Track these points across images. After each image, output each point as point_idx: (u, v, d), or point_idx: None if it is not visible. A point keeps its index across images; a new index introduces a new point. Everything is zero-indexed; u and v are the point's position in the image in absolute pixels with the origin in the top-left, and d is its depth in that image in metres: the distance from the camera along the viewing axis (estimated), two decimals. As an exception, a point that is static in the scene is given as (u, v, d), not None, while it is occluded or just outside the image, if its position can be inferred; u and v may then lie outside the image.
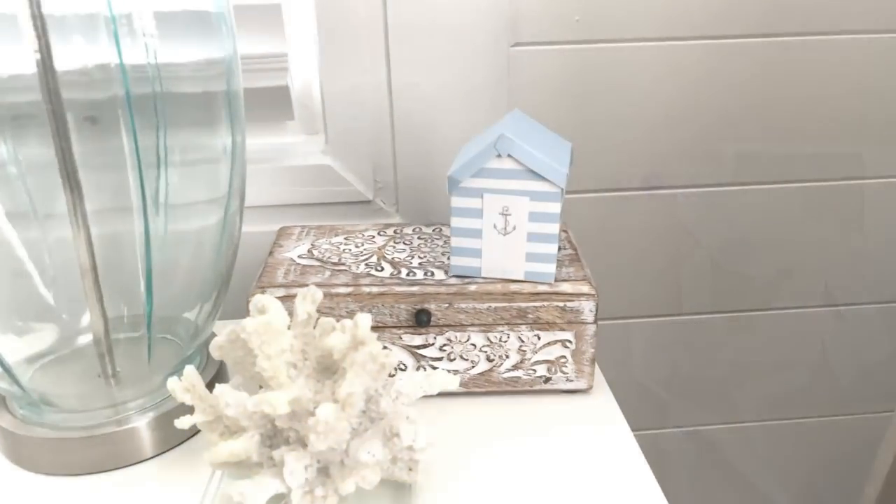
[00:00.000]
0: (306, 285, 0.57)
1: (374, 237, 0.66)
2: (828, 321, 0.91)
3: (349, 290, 0.57)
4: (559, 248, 0.64)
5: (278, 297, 0.57)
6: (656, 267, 0.85)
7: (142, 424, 0.54)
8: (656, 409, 0.94)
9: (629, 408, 0.91)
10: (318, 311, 0.57)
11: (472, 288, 0.58)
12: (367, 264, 0.61)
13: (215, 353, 0.49)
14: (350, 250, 0.63)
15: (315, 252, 0.63)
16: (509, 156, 0.54)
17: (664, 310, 0.88)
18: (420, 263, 0.61)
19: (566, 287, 0.58)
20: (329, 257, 0.62)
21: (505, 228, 0.56)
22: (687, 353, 0.91)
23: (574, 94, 0.76)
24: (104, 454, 0.54)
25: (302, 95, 0.77)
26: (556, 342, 0.59)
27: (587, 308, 0.58)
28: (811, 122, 0.80)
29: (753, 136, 0.80)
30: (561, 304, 0.57)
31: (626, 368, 0.91)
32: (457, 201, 0.57)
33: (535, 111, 0.76)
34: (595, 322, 0.58)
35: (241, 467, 0.48)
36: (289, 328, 0.47)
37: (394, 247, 0.64)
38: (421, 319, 0.57)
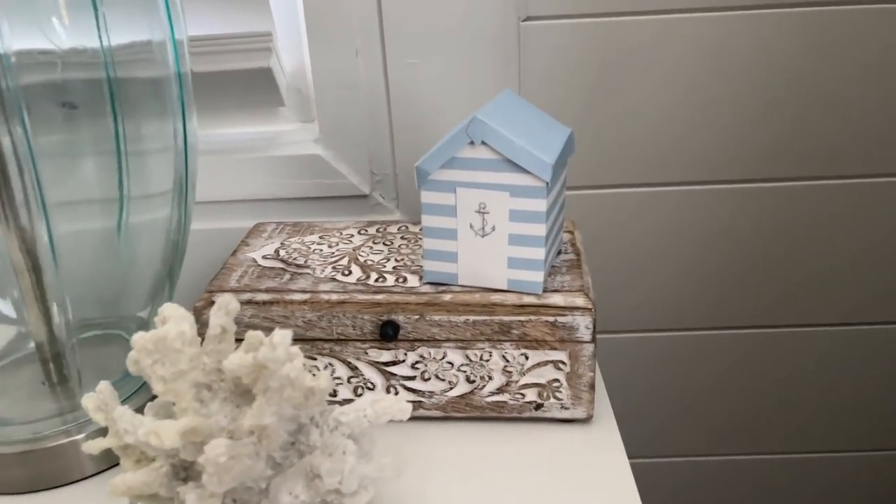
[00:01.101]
0: (259, 291, 0.51)
1: (352, 236, 0.59)
2: (870, 339, 0.78)
3: (306, 297, 0.50)
4: (559, 252, 0.55)
5: (227, 304, 0.50)
6: (678, 274, 0.74)
7: (83, 438, 0.49)
8: (671, 435, 0.83)
9: (641, 434, 0.81)
10: (273, 319, 0.50)
11: (447, 298, 0.49)
12: (334, 267, 0.54)
13: (132, 367, 0.43)
14: (321, 251, 0.56)
15: (282, 252, 0.56)
16: (483, 143, 0.46)
17: (686, 322, 0.77)
18: (394, 267, 0.53)
19: (557, 299, 0.49)
20: (295, 258, 0.55)
21: (483, 229, 0.48)
22: (711, 372, 0.80)
23: (594, 74, 0.66)
24: (45, 470, 0.49)
25: (295, 79, 0.71)
26: (546, 363, 0.50)
27: (582, 324, 0.49)
28: (863, 106, 0.68)
29: (798, 123, 0.68)
30: (551, 318, 0.49)
31: (640, 389, 0.81)
32: (427, 196, 0.48)
33: (550, 94, 0.67)
34: (593, 341, 0.49)
35: (155, 501, 0.42)
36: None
37: (370, 248, 0.57)
38: (386, 332, 0.49)
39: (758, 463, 0.85)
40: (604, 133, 0.69)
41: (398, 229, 0.60)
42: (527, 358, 0.50)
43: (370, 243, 0.57)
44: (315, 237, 0.59)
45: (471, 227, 0.48)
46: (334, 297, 0.50)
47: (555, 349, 0.50)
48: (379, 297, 0.50)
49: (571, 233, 0.58)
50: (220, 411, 0.40)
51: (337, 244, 0.57)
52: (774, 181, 0.71)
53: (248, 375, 0.37)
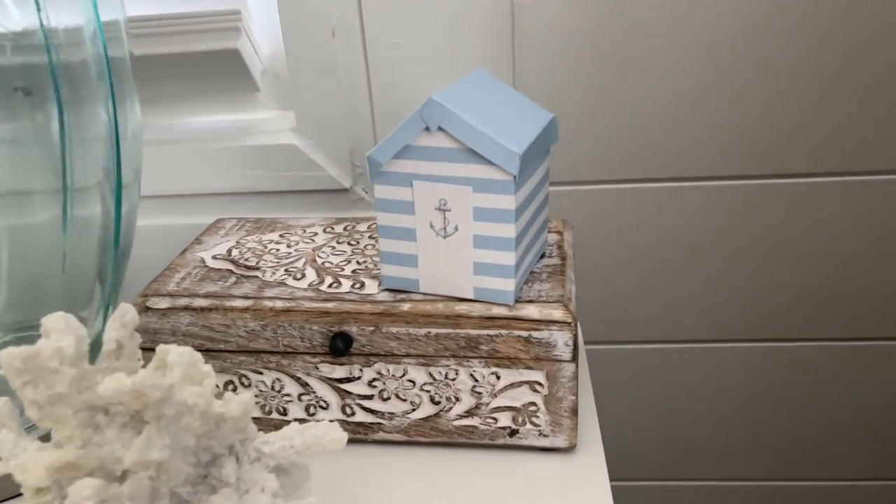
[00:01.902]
0: (198, 295, 0.45)
1: (315, 235, 0.53)
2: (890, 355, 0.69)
3: (248, 303, 0.44)
4: (542, 256, 0.48)
5: (161, 310, 0.45)
6: (683, 279, 0.67)
7: None
8: (672, 458, 0.75)
9: (636, 458, 0.74)
10: (212, 328, 0.45)
11: (405, 307, 0.43)
12: (287, 270, 0.48)
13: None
14: (278, 251, 0.50)
15: (235, 252, 0.51)
16: (441, 129, 0.39)
17: (691, 334, 0.69)
18: (353, 271, 0.47)
19: (531, 311, 0.42)
20: (247, 259, 0.49)
21: (444, 229, 0.42)
22: (715, 388, 0.72)
23: (600, 57, 0.59)
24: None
25: (273, 63, 0.65)
26: (521, 384, 0.43)
27: (561, 340, 0.42)
28: (892, 98, 0.59)
29: (823, 114, 0.60)
30: (524, 333, 0.42)
31: (635, 407, 0.73)
32: (381, 191, 0.42)
33: (549, 78, 0.60)
34: (574, 360, 0.42)
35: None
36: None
37: (332, 248, 0.50)
38: (336, 346, 0.43)
39: (777, 489, 0.77)
40: (611, 123, 0.61)
41: (368, 227, 0.54)
42: (498, 378, 0.44)
43: (333, 243, 0.51)
44: (275, 235, 0.53)
45: (431, 226, 0.42)
46: (279, 304, 0.44)
47: (530, 368, 0.43)
48: (329, 304, 0.44)
49: (560, 234, 0.51)
50: (119, 439, 0.35)
51: (297, 243, 0.51)
52: (794, 177, 0.63)
53: (136, 401, 0.31)
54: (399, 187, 0.42)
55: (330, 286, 0.45)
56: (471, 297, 0.43)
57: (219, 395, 0.47)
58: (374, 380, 0.45)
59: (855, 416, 0.72)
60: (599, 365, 0.71)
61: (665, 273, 0.67)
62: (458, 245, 0.42)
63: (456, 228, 0.41)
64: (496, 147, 0.38)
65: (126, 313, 0.34)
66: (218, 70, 0.61)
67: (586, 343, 0.69)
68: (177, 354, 0.32)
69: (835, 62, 0.58)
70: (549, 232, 0.51)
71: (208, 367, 0.34)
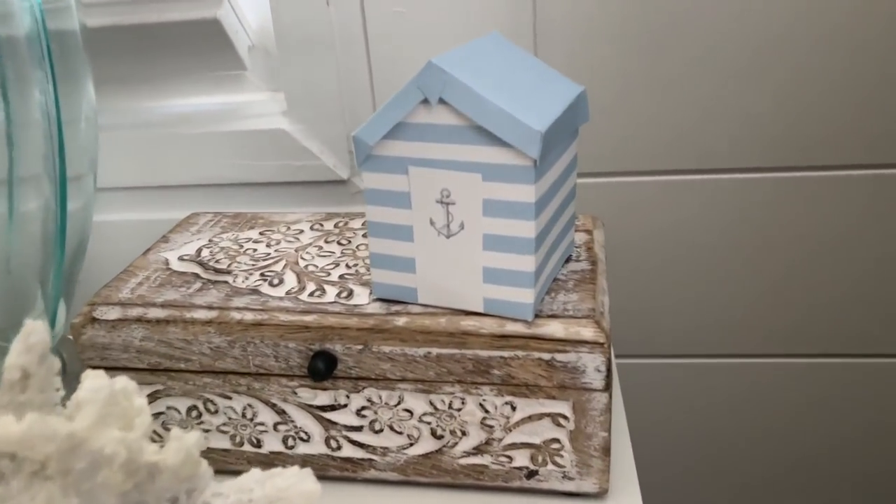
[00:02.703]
0: (154, 305, 0.38)
1: (301, 232, 0.45)
2: None
3: (212, 314, 0.37)
4: (567, 260, 0.40)
5: (110, 321, 0.37)
6: (724, 284, 0.58)
7: None
8: (724, 497, 0.67)
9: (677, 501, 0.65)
10: (171, 343, 0.37)
11: (400, 322, 0.35)
12: (263, 275, 0.40)
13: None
14: (255, 251, 0.43)
15: (205, 252, 0.43)
16: (443, 102, 0.31)
17: (733, 347, 0.61)
18: (341, 276, 0.39)
19: (555, 328, 0.34)
20: (218, 261, 0.42)
21: (447, 226, 0.34)
22: (771, 411, 0.63)
23: (633, 28, 0.51)
24: None
25: (262, 38, 0.57)
26: (542, 416, 0.36)
27: (591, 365, 0.34)
28: None
29: (869, 99, 0.51)
30: (545, 356, 0.34)
31: (672, 437, 0.65)
32: (370, 179, 0.34)
33: (576, 51, 0.52)
34: (606, 388, 0.34)
35: None
36: None
37: (319, 248, 0.43)
38: (316, 368, 0.35)
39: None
40: (647, 106, 0.53)
41: (363, 224, 0.46)
42: (514, 408, 0.36)
43: (321, 242, 0.43)
44: (254, 232, 0.45)
45: (431, 223, 0.34)
46: (249, 316, 0.36)
47: (553, 398, 0.35)
48: (308, 317, 0.36)
49: (590, 233, 0.43)
50: (27, 491, 0.27)
51: (278, 242, 0.44)
52: (853, 168, 0.54)
53: (32, 452, 0.24)
54: (392, 175, 0.34)
55: (311, 294, 0.38)
56: (480, 310, 0.35)
57: (183, 423, 0.40)
58: (364, 408, 0.37)
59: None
60: (629, 384, 0.63)
61: (707, 278, 0.58)
62: (465, 246, 0.34)
63: (462, 226, 0.33)
64: (513, 123, 0.30)
65: (32, 333, 0.27)
66: (197, 45, 0.54)
67: (616, 357, 0.61)
68: (90, 389, 0.25)
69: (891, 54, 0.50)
70: (576, 231, 0.43)
71: (141, 403, 0.26)
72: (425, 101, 0.31)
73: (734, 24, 0.50)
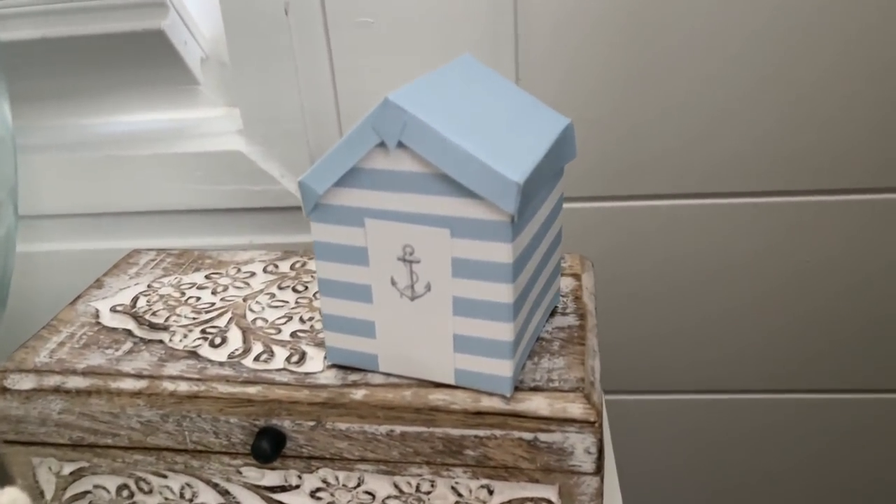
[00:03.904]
0: (76, 372, 0.33)
1: (252, 275, 0.40)
2: None
3: (141, 384, 0.32)
4: (554, 311, 0.35)
5: (24, 391, 0.32)
6: (717, 314, 0.54)
7: None
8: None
9: None
10: (95, 417, 0.32)
11: (358, 396, 0.30)
12: (204, 332, 0.35)
13: None
14: (198, 299, 0.38)
15: (142, 301, 0.38)
16: (402, 145, 0.26)
17: (728, 383, 0.56)
18: (293, 334, 0.34)
19: (538, 403, 0.29)
20: (155, 313, 0.37)
21: (412, 287, 0.29)
22: (779, 454, 0.59)
23: (620, 44, 0.46)
24: None
25: (217, 49, 0.52)
26: (524, 501, 0.31)
27: (580, 446, 0.29)
28: None
29: (875, 123, 0.47)
30: (527, 435, 0.29)
31: (656, 469, 0.60)
32: (320, 231, 0.29)
33: (557, 66, 0.47)
34: (597, 472, 0.30)
35: None
36: None
37: (271, 295, 0.38)
38: (261, 450, 0.30)
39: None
40: (634, 126, 0.48)
41: (323, 265, 0.41)
42: (491, 492, 0.31)
43: (274, 288, 0.38)
44: (200, 276, 0.40)
45: (392, 283, 0.29)
46: (183, 387, 0.31)
47: (536, 482, 0.30)
48: (252, 389, 0.31)
49: (577, 278, 0.38)
50: None
51: (226, 289, 0.39)
52: (855, 193, 0.49)
53: None
54: (345, 227, 0.29)
55: (257, 359, 0.33)
56: (451, 382, 0.30)
57: (112, 503, 0.35)
58: (319, 489, 0.32)
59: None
60: (620, 422, 0.58)
61: (699, 306, 0.54)
62: (432, 310, 0.29)
63: (428, 287, 0.28)
64: (485, 173, 0.25)
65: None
66: (140, 57, 0.48)
67: (605, 392, 0.56)
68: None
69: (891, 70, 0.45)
70: (561, 274, 0.38)
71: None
72: (382, 145, 0.26)
73: (733, 46, 0.45)
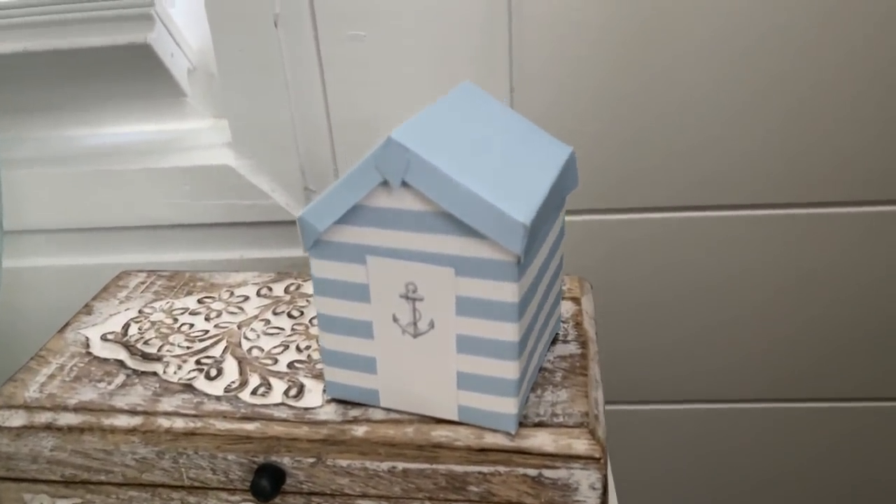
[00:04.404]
0: (67, 408, 0.32)
1: (246, 299, 0.39)
2: None
3: (136, 422, 0.31)
4: (556, 338, 0.35)
5: (14, 429, 0.31)
6: (716, 326, 0.54)
7: None
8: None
9: None
10: (87, 454, 0.31)
11: (359, 432, 0.30)
12: (199, 362, 0.34)
13: None
14: (190, 327, 0.37)
15: (133, 328, 0.37)
16: (406, 185, 0.25)
17: (727, 393, 0.56)
18: (291, 364, 0.34)
19: (542, 440, 0.29)
20: (147, 341, 0.36)
21: (414, 324, 0.28)
22: (779, 464, 0.59)
23: (616, 57, 0.45)
24: None
25: (205, 60, 0.51)
26: (527, 535, 0.30)
27: (585, 482, 0.29)
28: None
29: (877, 137, 0.47)
30: (532, 472, 0.29)
31: (657, 478, 0.60)
32: (320, 267, 0.29)
33: (552, 78, 0.46)
34: (603, 506, 0.29)
35: None
36: None
37: (266, 321, 0.37)
38: (260, 487, 0.30)
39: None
40: (631, 140, 0.48)
41: (318, 287, 0.40)
42: (494, 527, 0.30)
43: (269, 314, 0.38)
44: (192, 300, 0.39)
45: (394, 319, 0.28)
46: (179, 423, 0.31)
47: (540, 516, 0.30)
48: (250, 426, 0.30)
49: (577, 302, 0.38)
50: None
51: (219, 314, 0.38)
52: (854, 205, 0.49)
53: None
54: (346, 264, 0.28)
55: (255, 392, 0.32)
56: (454, 418, 0.30)
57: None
58: (320, 524, 0.32)
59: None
60: (619, 432, 0.58)
61: (697, 316, 0.53)
62: (435, 348, 0.28)
63: (431, 325, 0.28)
64: (491, 214, 0.25)
65: None
66: (129, 70, 0.47)
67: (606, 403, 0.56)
68: None
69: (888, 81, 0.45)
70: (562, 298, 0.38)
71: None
72: (385, 184, 0.26)
73: (728, 60, 0.45)
